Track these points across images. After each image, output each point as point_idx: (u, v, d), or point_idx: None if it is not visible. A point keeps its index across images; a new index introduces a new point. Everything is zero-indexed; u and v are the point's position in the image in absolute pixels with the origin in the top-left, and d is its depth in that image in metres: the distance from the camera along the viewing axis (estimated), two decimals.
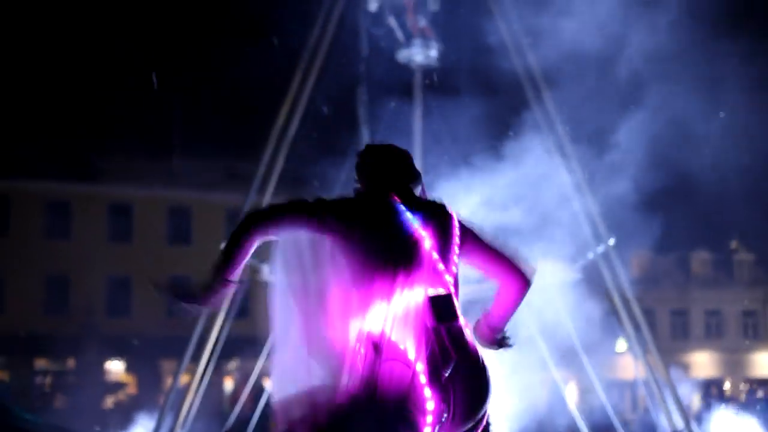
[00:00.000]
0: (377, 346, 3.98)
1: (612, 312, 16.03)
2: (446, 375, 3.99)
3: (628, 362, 34.66)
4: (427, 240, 4.24)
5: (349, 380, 3.93)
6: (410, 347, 3.99)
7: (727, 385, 51.86)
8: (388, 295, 4.04)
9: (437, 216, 4.40)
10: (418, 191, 4.57)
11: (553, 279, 16.23)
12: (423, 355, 3.99)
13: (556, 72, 15.97)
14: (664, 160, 17.71)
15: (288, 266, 4.27)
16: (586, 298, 17.13)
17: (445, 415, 3.95)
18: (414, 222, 4.27)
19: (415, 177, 4.60)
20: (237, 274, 4.23)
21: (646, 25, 15.26)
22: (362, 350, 3.98)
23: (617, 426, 16.15)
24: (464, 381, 4.04)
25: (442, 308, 4.13)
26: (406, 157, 4.67)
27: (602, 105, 15.90)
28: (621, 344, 41.89)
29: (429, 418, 3.88)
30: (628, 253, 46.40)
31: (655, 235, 18.15)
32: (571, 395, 20.73)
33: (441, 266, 4.25)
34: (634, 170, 15.92)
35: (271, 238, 4.26)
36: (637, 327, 15.49)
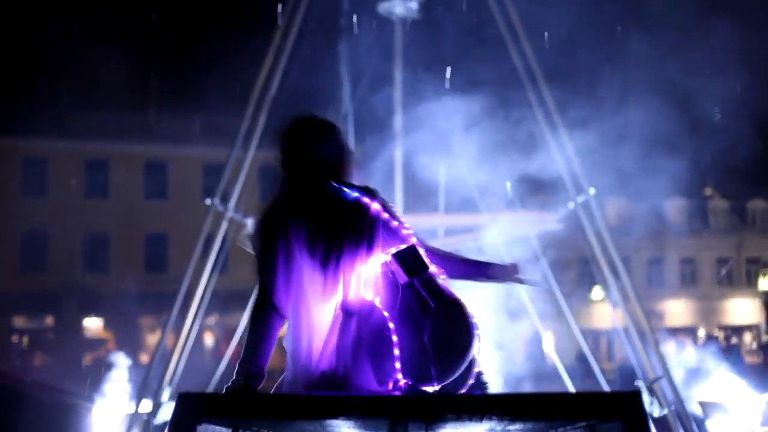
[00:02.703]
0: (349, 312, 4.13)
1: (591, 261, 16.13)
2: (428, 326, 4.08)
3: (603, 311, 34.94)
4: (373, 204, 4.36)
5: (331, 349, 4.15)
6: (382, 305, 4.15)
7: (701, 333, 52.26)
8: (353, 266, 4.22)
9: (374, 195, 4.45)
10: (351, 174, 4.59)
11: (533, 229, 16.37)
12: (395, 311, 4.11)
13: (533, 17, 16.02)
14: (640, 107, 17.83)
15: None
16: (563, 247, 17.27)
17: (433, 366, 4.03)
18: (353, 194, 4.38)
19: (348, 158, 4.63)
20: (266, 359, 4.28)
21: None
22: (339, 320, 4.17)
23: (597, 373, 16.29)
24: (447, 326, 4.12)
25: (409, 262, 4.22)
26: (337, 136, 4.64)
27: (584, 50, 15.99)
28: (596, 292, 42.24)
29: (399, 374, 4.03)
30: (603, 201, 46.65)
31: (630, 182, 18.27)
32: (548, 345, 20.90)
33: (395, 222, 4.37)
34: (612, 117, 16.02)
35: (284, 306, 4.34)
36: (616, 275, 15.62)
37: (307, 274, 4.23)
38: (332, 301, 4.19)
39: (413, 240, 4.37)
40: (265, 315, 4.25)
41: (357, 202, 4.35)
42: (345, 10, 15.89)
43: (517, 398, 3.73)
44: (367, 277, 4.22)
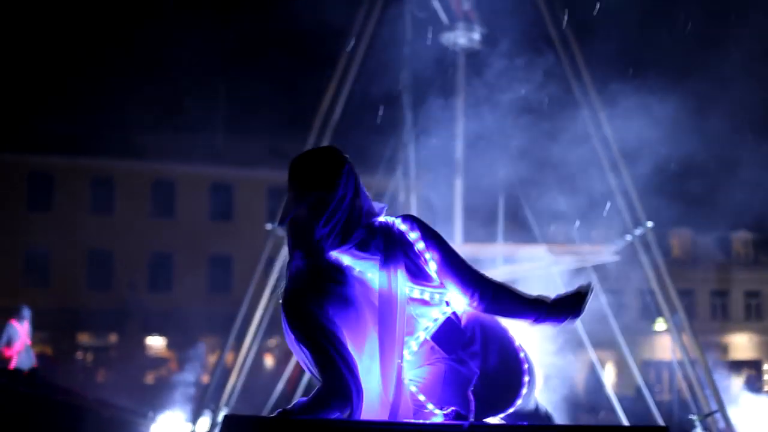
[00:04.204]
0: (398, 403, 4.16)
1: (650, 293, 16.15)
2: (472, 389, 4.15)
3: (665, 342, 34.66)
4: (397, 294, 4.20)
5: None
6: (432, 404, 4.18)
7: (766, 367, 51.50)
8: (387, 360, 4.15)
9: (393, 242, 4.24)
10: (365, 211, 4.31)
11: (590, 260, 16.37)
12: (448, 395, 4.16)
13: (599, 52, 16.08)
14: (705, 140, 17.78)
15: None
16: (626, 278, 17.23)
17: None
18: (381, 278, 4.20)
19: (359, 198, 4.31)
20: None
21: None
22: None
23: (651, 405, 16.26)
24: (494, 381, 4.20)
25: (444, 341, 4.22)
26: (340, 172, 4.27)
27: (644, 83, 15.99)
28: (659, 324, 41.89)
29: None
30: (668, 233, 46.27)
31: (696, 214, 18.25)
32: (609, 376, 20.83)
33: (418, 311, 4.25)
34: (676, 150, 15.99)
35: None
36: (673, 309, 15.60)
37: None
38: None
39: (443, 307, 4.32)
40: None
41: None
42: (408, 40, 15.99)
43: (544, 429, 3.80)
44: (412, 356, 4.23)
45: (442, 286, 4.26)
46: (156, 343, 44.48)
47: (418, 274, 4.23)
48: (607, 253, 16.03)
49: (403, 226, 4.27)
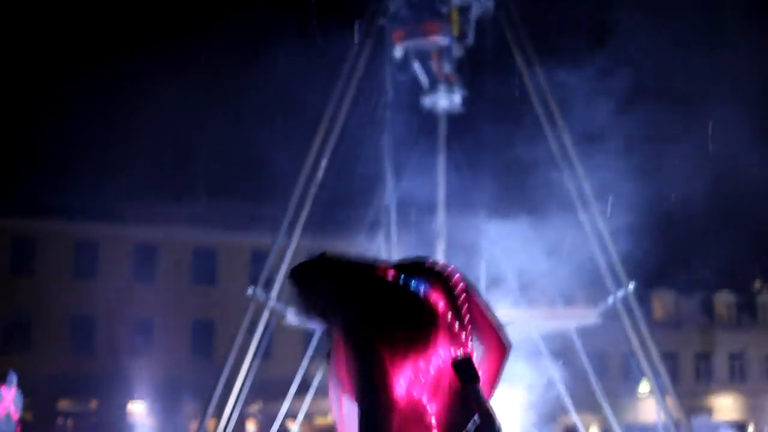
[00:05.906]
0: (404, 409, 4.19)
1: (633, 355, 16.15)
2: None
3: (650, 405, 34.60)
4: (439, 303, 4.33)
5: None
6: (433, 409, 4.21)
7: (750, 429, 51.44)
8: (415, 361, 4.19)
9: (441, 278, 4.42)
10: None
11: (573, 323, 16.39)
12: (444, 416, 4.20)
13: (578, 119, 16.16)
14: (687, 202, 17.86)
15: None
16: (609, 341, 17.23)
17: None
18: (420, 287, 4.35)
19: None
20: None
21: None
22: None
23: None
24: None
25: (464, 371, 4.27)
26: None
27: (625, 147, 16.09)
28: (644, 386, 41.83)
29: None
30: (650, 295, 46.36)
31: (678, 276, 18.33)
32: None
33: (456, 327, 4.34)
34: (657, 212, 16.06)
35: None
36: (656, 372, 15.59)
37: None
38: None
39: (469, 346, 4.38)
40: None
41: (425, 300, 4.33)
42: (389, 102, 16.05)
43: None
44: (429, 375, 4.25)
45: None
46: (137, 409, 44.18)
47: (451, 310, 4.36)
48: (589, 316, 16.05)
49: (455, 273, 4.46)
